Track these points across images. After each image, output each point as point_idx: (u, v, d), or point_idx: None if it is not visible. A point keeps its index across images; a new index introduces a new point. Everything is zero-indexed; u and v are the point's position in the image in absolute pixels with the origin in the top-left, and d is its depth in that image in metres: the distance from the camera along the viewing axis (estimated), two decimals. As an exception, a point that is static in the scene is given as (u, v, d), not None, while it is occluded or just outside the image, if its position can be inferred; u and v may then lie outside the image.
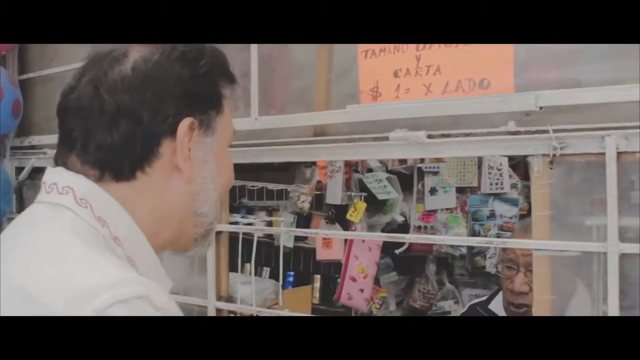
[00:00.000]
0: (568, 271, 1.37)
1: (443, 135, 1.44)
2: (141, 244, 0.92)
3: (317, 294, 4.13)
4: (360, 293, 2.97)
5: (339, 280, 3.27)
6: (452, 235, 4.01)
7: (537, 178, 1.35)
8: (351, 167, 3.32)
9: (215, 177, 0.98)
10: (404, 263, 4.11)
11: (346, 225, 3.30)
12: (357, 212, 2.98)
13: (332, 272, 3.82)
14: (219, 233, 1.84)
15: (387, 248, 4.02)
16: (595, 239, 1.31)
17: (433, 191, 4.06)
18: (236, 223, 1.92)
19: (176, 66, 0.92)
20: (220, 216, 1.32)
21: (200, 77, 0.95)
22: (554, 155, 1.32)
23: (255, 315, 1.83)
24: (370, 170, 3.70)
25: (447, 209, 4.05)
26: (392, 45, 1.54)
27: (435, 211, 4.07)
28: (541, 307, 1.39)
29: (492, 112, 1.37)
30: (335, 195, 3.24)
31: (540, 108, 1.32)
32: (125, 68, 0.90)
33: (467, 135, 1.41)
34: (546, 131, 1.31)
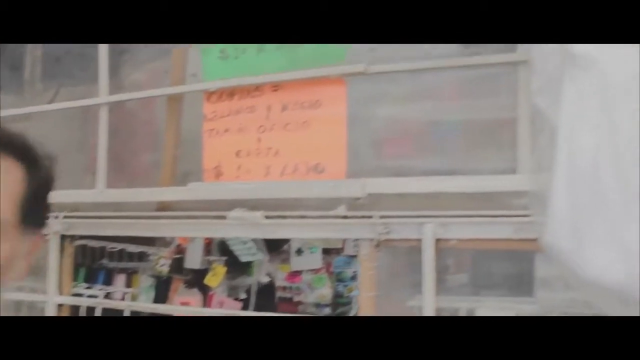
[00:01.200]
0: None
1: (280, 217, 1.49)
2: None
3: None
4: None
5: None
6: (317, 296, 4.06)
7: (364, 261, 1.42)
8: (212, 231, 3.33)
9: None
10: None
11: (205, 289, 3.29)
12: (216, 276, 2.98)
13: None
14: (60, 306, 1.80)
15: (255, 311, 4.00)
16: (416, 319, 1.38)
17: (299, 252, 4.11)
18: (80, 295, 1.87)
19: None
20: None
21: None
22: (379, 240, 1.39)
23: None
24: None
25: (312, 269, 4.09)
26: (235, 126, 1.59)
27: (300, 272, 4.11)
28: None
29: (325, 196, 1.43)
30: (194, 259, 3.22)
31: (368, 195, 1.40)
32: None
33: (301, 217, 1.47)
34: (371, 217, 1.39)
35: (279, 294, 4.20)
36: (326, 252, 4.13)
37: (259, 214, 1.48)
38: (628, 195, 1.14)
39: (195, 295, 3.07)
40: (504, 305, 1.36)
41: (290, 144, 1.51)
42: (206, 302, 2.93)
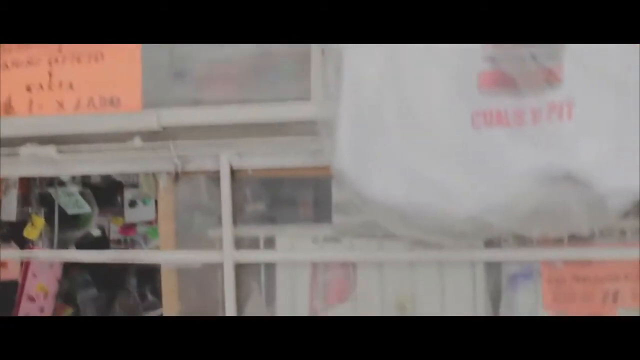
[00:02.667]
0: (194, 282, 1.44)
1: (74, 151, 1.43)
2: None
3: (-9, 318, 3.82)
4: (40, 312, 2.84)
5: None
6: (152, 248, 3.99)
7: (162, 194, 1.40)
8: (29, 181, 3.16)
9: None
10: (103, 278, 3.99)
11: (25, 242, 3.13)
12: (35, 228, 2.85)
13: (8, 292, 3.57)
14: None
15: (86, 264, 3.87)
16: (217, 249, 1.39)
17: (133, 204, 4.01)
18: None
19: None
20: None
21: None
22: (177, 172, 1.38)
23: None
24: (62, 184, 3.55)
25: (147, 221, 4.01)
26: (25, 59, 1.49)
27: (135, 224, 4.02)
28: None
29: (120, 130, 1.39)
30: (9, 211, 3.05)
31: (164, 128, 1.37)
32: None
33: (96, 151, 1.41)
34: (168, 148, 1.37)
35: (113, 247, 4.09)
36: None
37: (51, 149, 1.41)
38: (408, 121, 1.19)
39: (12, 249, 2.91)
40: (302, 231, 1.40)
41: (83, 76, 1.45)
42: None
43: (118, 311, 4.07)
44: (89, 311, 3.91)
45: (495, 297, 1.36)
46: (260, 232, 1.39)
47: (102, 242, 3.97)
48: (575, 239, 1.31)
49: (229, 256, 1.35)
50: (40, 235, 3.01)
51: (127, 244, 4.04)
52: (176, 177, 1.38)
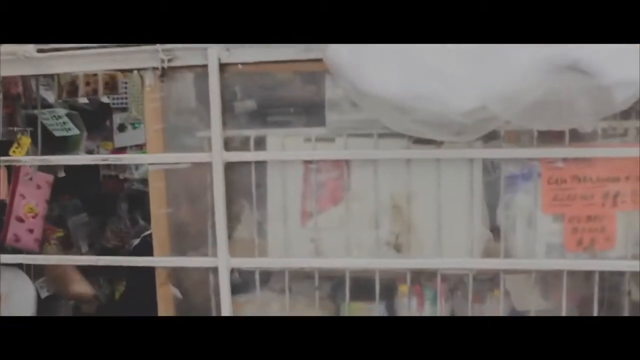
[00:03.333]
0: (182, 183, 1.39)
1: (55, 50, 1.36)
2: None
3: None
4: (29, 234, 2.80)
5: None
6: (143, 172, 3.95)
7: (148, 92, 1.34)
8: (13, 100, 3.08)
9: None
10: (94, 203, 3.96)
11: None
12: (21, 147, 2.79)
13: (-5, 213, 3.55)
14: None
15: (76, 189, 3.84)
16: (206, 150, 1.34)
17: (122, 128, 3.94)
18: None
19: None
20: None
21: None
22: (163, 68, 1.31)
23: None
24: (48, 106, 3.47)
25: (136, 145, 3.95)
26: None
27: (125, 148, 3.96)
28: (159, 221, 1.40)
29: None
30: (-6, 130, 2.99)
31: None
32: None
33: (78, 49, 1.35)
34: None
35: (103, 172, 4.05)
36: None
37: (30, 47, 1.35)
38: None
39: (-2, 169, 2.86)
40: (295, 130, 1.35)
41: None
42: (13, 176, 2.75)
43: (109, 236, 4.06)
44: (79, 235, 3.89)
45: (493, 199, 1.33)
46: (251, 132, 1.33)
47: (91, 167, 3.91)
48: (576, 138, 1.27)
49: (218, 156, 1.30)
50: (28, 154, 2.95)
51: (117, 168, 3.99)
52: (162, 73, 1.32)
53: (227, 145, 1.32)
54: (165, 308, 1.41)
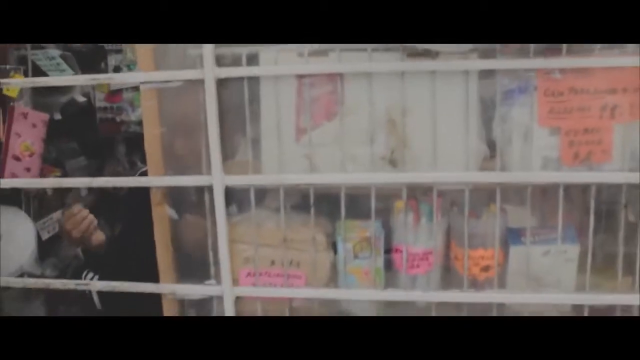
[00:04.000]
0: (175, 102, 1.38)
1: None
2: None
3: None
4: (26, 172, 2.80)
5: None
6: (139, 114, 3.92)
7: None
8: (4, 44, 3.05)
9: None
10: (91, 147, 3.95)
11: (6, 101, 3.04)
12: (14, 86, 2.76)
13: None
14: None
15: (74, 132, 3.83)
16: (198, 67, 1.32)
17: (117, 70, 3.90)
18: None
19: None
20: None
21: None
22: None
23: None
24: (41, 47, 3.43)
25: (132, 87, 3.93)
26: None
27: (120, 91, 3.93)
28: (152, 140, 1.39)
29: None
30: (-15, 67, 2.96)
31: None
32: None
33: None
34: None
35: (100, 115, 4.03)
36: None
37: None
38: None
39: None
40: (288, 45, 1.32)
41: None
42: (7, 114, 2.73)
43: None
44: (77, 177, 3.89)
45: (489, 113, 1.31)
46: (243, 49, 1.31)
47: (87, 109, 3.90)
48: (574, 49, 1.25)
49: (210, 73, 1.28)
50: (21, 93, 2.93)
51: (114, 111, 3.97)
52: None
53: (219, 62, 1.30)
54: (160, 229, 1.41)
